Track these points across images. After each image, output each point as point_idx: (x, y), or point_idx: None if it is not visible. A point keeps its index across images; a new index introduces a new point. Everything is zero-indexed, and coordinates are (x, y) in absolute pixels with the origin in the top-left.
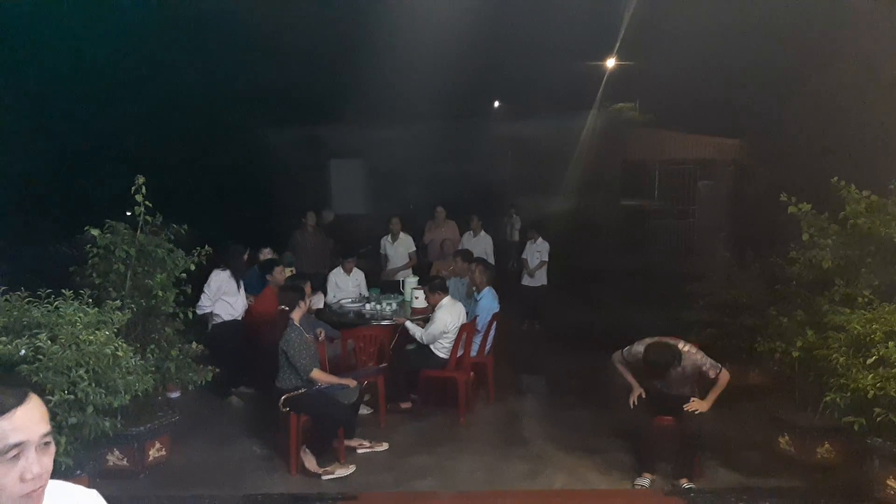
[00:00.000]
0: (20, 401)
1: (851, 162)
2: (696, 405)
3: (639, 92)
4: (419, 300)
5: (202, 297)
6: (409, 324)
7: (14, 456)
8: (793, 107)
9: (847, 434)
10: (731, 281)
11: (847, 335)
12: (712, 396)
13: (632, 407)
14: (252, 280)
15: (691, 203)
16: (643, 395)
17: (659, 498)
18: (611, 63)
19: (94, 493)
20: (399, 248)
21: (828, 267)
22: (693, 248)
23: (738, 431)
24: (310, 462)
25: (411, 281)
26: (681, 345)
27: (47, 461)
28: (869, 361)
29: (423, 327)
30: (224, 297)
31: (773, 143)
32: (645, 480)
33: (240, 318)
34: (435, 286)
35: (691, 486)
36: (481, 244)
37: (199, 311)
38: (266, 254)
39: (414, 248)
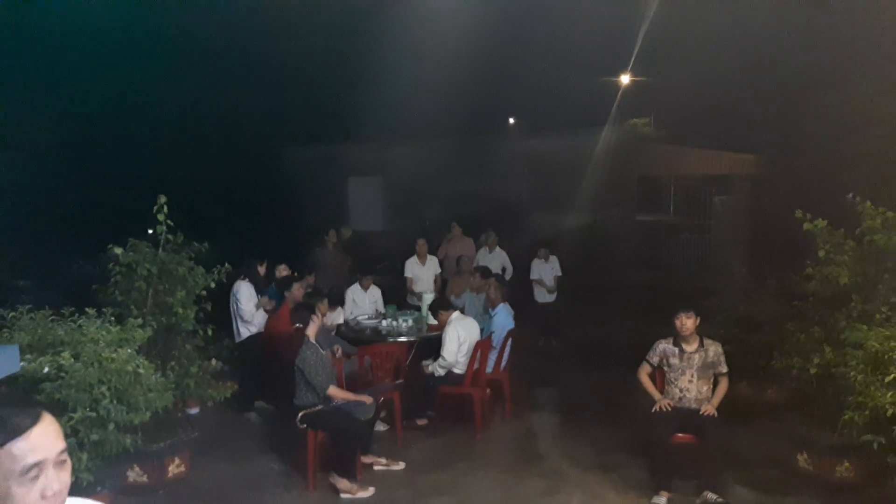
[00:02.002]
0: (35, 421)
1: (867, 178)
2: (710, 410)
3: (654, 107)
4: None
5: (241, 311)
6: (431, 366)
7: (34, 475)
8: (808, 122)
9: (866, 452)
10: (748, 297)
11: (865, 352)
12: (716, 400)
13: (654, 413)
14: (270, 297)
15: (707, 218)
16: (669, 406)
17: None
18: (626, 79)
19: None
20: (429, 271)
21: (844, 283)
22: (709, 264)
23: (755, 448)
24: (342, 484)
25: (428, 297)
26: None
27: (65, 477)
28: (887, 380)
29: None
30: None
31: (789, 159)
32: (661, 499)
33: (262, 331)
34: (435, 306)
35: (721, 499)
36: (497, 260)
37: (250, 322)
38: (282, 271)
39: (440, 271)
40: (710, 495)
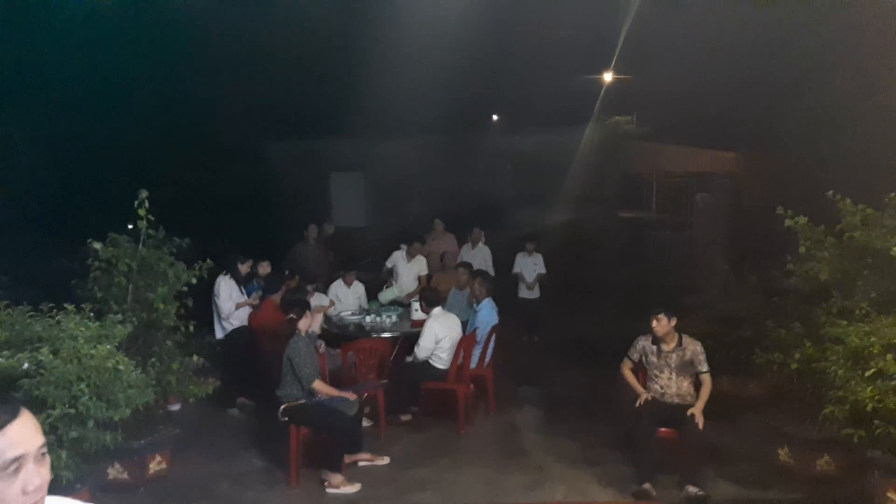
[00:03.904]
0: (14, 416)
1: (847, 175)
2: (697, 413)
3: (636, 105)
4: (418, 312)
5: (220, 307)
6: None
7: (14, 470)
8: (789, 120)
9: (846, 446)
10: (729, 293)
11: (845, 347)
12: (701, 403)
13: (637, 407)
14: (252, 292)
15: (688, 215)
16: (649, 399)
17: None
18: (608, 77)
19: None
20: (413, 269)
21: (825, 279)
22: (690, 261)
23: (736, 443)
24: (335, 479)
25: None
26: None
27: (45, 472)
28: (867, 374)
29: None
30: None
31: (770, 156)
32: (646, 486)
33: (245, 326)
34: (427, 296)
35: (702, 492)
36: (480, 255)
37: (226, 320)
38: (265, 267)
39: (426, 272)
40: (692, 489)
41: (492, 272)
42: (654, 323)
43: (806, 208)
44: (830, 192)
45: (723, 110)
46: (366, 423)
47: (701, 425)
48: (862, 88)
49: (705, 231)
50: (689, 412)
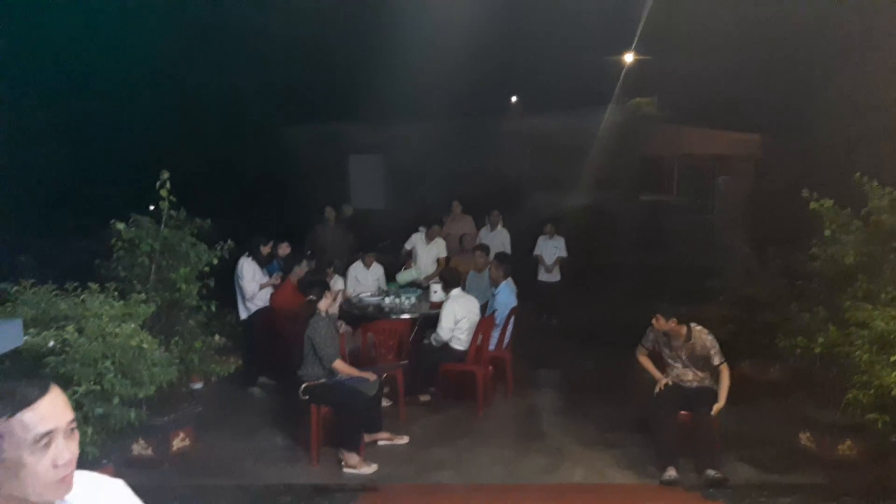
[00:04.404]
0: (44, 391)
1: (874, 157)
2: (717, 408)
3: (657, 87)
4: (437, 293)
5: (244, 289)
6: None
7: (45, 444)
8: (814, 101)
9: (869, 431)
10: (751, 277)
11: (870, 332)
12: (723, 394)
13: (657, 392)
14: (271, 273)
15: (710, 199)
16: (669, 384)
17: (679, 493)
18: (629, 58)
19: (120, 482)
20: (432, 251)
21: (850, 263)
22: (712, 244)
23: (758, 428)
24: (352, 459)
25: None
26: (692, 324)
27: (74, 447)
28: (893, 358)
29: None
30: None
31: (794, 138)
32: (670, 472)
33: (266, 306)
34: (447, 276)
35: (720, 475)
36: (499, 238)
37: (250, 301)
38: (284, 248)
39: (445, 254)
40: (711, 472)
41: (509, 254)
42: (654, 322)
43: (831, 191)
44: (857, 174)
45: (746, 91)
46: (385, 403)
47: (714, 412)
48: (891, 69)
49: (727, 214)
50: (713, 410)
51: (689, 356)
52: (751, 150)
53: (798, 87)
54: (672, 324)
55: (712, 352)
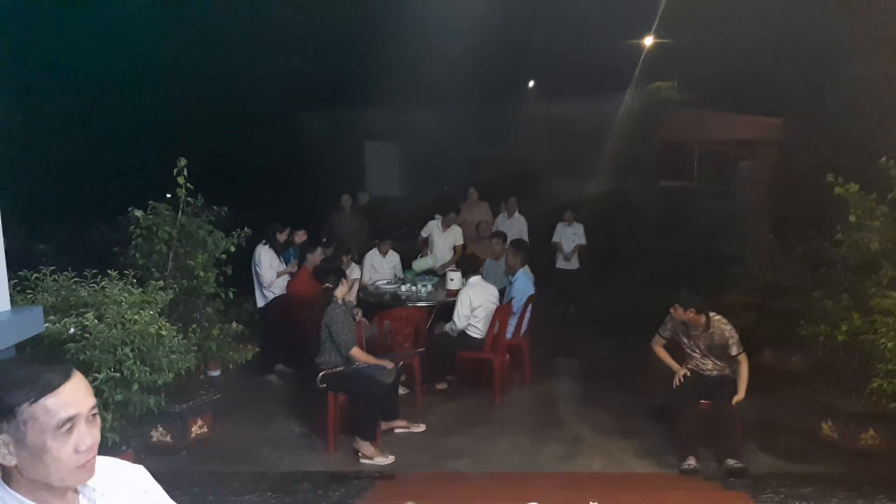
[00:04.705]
0: (66, 377)
1: None
2: (736, 400)
3: (677, 71)
4: (454, 282)
5: (261, 277)
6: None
7: (67, 430)
8: (838, 83)
9: (893, 421)
10: (774, 264)
11: (895, 319)
12: (742, 386)
13: (675, 387)
14: (289, 261)
15: (732, 184)
16: (687, 375)
17: (699, 483)
18: (648, 41)
19: (140, 468)
20: (448, 239)
21: (875, 249)
22: (733, 231)
23: (779, 417)
24: (367, 449)
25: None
26: (711, 314)
27: (96, 433)
28: None
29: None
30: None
31: (818, 122)
32: (691, 461)
33: (283, 294)
34: (465, 263)
35: (739, 464)
36: (516, 226)
37: (267, 288)
38: (301, 236)
39: (462, 242)
40: (731, 461)
41: (527, 241)
42: (672, 311)
43: (857, 176)
44: (883, 158)
45: (769, 74)
46: (402, 391)
47: (734, 401)
48: None
49: (749, 200)
50: (733, 401)
51: (707, 346)
52: (773, 133)
53: (822, 68)
54: (690, 314)
55: (731, 342)
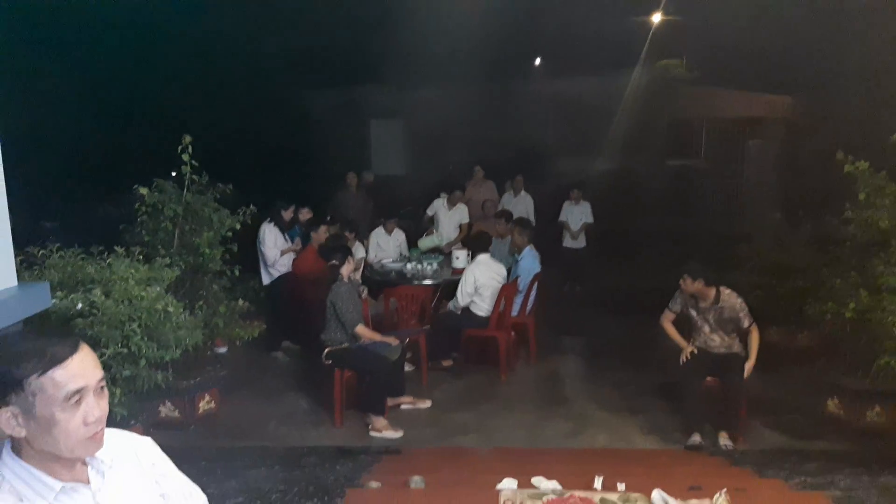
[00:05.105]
0: (74, 349)
1: None
2: (748, 370)
3: (686, 48)
4: (459, 260)
5: (266, 254)
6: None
7: (76, 402)
8: (848, 61)
9: None
10: (781, 242)
11: None
12: (753, 353)
13: (682, 364)
14: (294, 239)
15: (740, 163)
16: (694, 352)
17: (702, 458)
18: (656, 18)
19: (148, 440)
20: (454, 217)
21: (884, 227)
22: (741, 210)
23: (785, 394)
24: (378, 422)
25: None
26: (721, 287)
27: (104, 405)
28: None
29: None
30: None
31: (828, 100)
32: (696, 438)
33: (289, 271)
34: (469, 244)
35: (730, 444)
36: (522, 204)
37: (272, 266)
38: (305, 214)
39: (468, 220)
40: (723, 437)
41: (533, 220)
42: (681, 283)
43: (866, 154)
44: (894, 136)
45: (778, 51)
46: (408, 367)
47: (746, 374)
48: None
49: (757, 179)
50: (745, 370)
51: (717, 320)
52: (783, 112)
53: (833, 45)
54: (699, 285)
55: (742, 314)
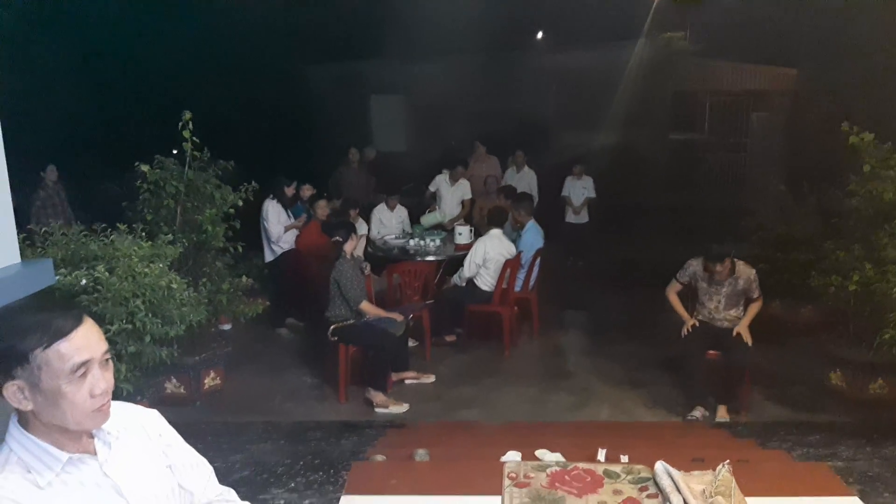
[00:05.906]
0: (78, 322)
1: None
2: (742, 330)
3: (689, 20)
4: (462, 236)
5: (269, 230)
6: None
7: (82, 374)
8: (853, 32)
9: None
10: (785, 215)
11: None
12: (747, 319)
13: (683, 336)
14: (297, 215)
15: (744, 136)
16: (696, 325)
17: (705, 430)
18: None
19: (154, 412)
20: (456, 193)
21: (889, 199)
22: (745, 183)
23: (788, 366)
24: (380, 398)
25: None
26: (735, 259)
27: (110, 377)
28: None
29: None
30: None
31: (832, 72)
32: (697, 412)
33: (293, 248)
34: (486, 217)
35: (727, 419)
36: (525, 180)
37: (275, 243)
38: (306, 190)
39: (470, 196)
40: (720, 411)
41: (536, 196)
42: (718, 268)
43: (871, 125)
44: None
45: (783, 23)
46: (411, 343)
47: (749, 341)
48: None
49: (762, 152)
50: (735, 331)
51: (730, 292)
52: (787, 84)
53: (836, 16)
54: (728, 263)
55: (754, 285)
